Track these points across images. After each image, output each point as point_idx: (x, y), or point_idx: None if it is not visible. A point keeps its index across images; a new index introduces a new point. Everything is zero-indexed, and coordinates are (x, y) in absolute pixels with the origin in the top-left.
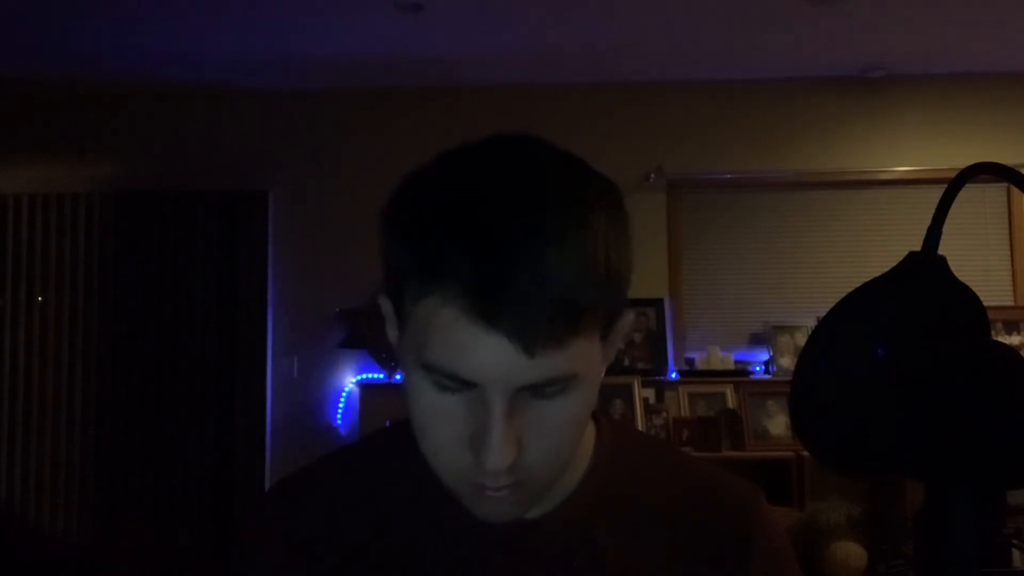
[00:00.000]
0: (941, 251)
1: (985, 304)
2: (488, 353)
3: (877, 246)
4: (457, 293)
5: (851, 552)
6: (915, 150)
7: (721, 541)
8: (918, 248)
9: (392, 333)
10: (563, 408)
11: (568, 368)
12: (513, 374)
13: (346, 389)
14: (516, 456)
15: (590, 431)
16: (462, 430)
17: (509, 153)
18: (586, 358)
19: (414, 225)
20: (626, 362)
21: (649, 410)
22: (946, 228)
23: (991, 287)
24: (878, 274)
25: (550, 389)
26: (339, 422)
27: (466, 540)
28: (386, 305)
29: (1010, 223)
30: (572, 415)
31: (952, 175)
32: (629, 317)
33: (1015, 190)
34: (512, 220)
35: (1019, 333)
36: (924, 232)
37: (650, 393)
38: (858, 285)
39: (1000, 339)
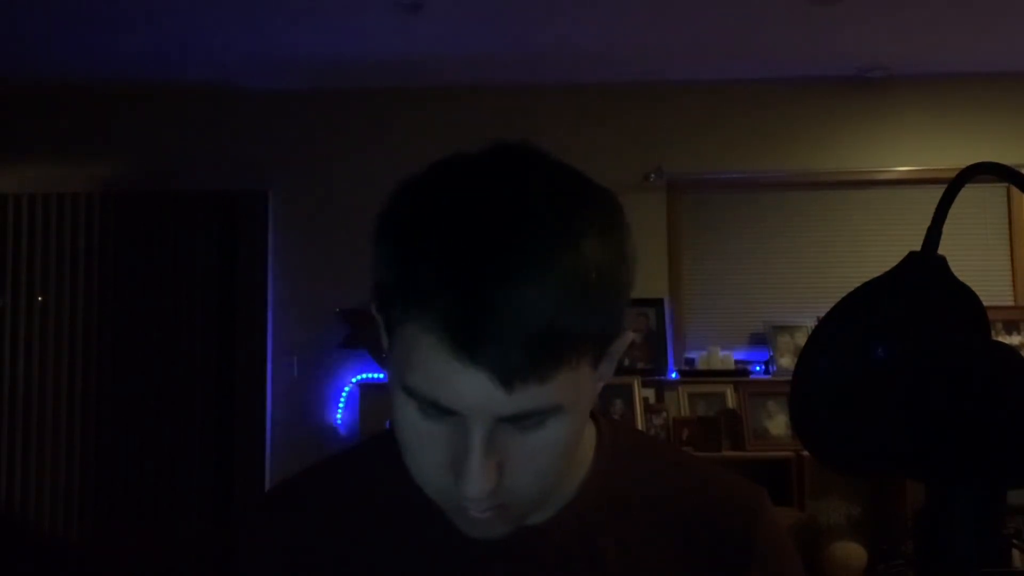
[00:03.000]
0: (941, 251)
1: (985, 304)
2: (467, 385)
3: (877, 246)
4: (437, 323)
5: (851, 552)
6: (915, 150)
7: (724, 543)
8: (918, 248)
9: (384, 343)
10: (547, 436)
11: (551, 400)
12: (492, 406)
13: (346, 389)
14: (495, 483)
15: (590, 433)
16: (444, 453)
17: (501, 172)
18: (572, 388)
19: (399, 247)
20: (626, 362)
21: (649, 410)
22: (946, 228)
23: (991, 287)
24: (878, 274)
25: (532, 420)
26: (339, 422)
27: (467, 546)
28: (377, 316)
29: (1010, 223)
30: (556, 443)
31: (952, 175)
32: (626, 338)
33: (1015, 190)
34: (496, 251)
35: (1019, 333)
36: (924, 232)
37: (650, 393)
38: (858, 285)
39: (1000, 339)
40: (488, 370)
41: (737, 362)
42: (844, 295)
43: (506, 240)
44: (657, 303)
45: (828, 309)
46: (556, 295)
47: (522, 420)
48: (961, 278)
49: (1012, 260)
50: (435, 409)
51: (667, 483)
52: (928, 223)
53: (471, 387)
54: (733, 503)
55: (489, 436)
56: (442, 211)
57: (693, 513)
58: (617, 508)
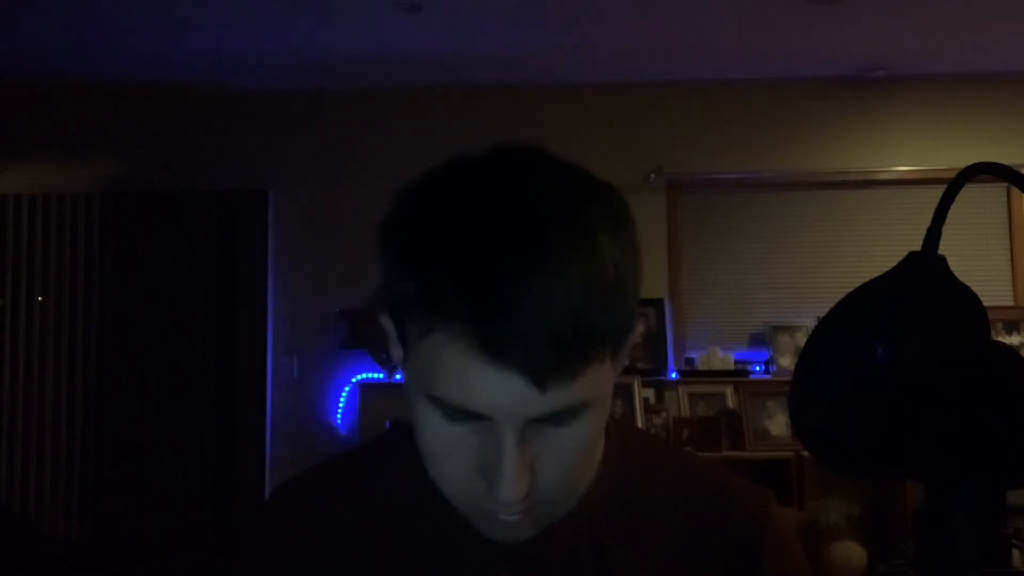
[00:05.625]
0: (941, 251)
1: (985, 304)
2: (498, 388)
3: (877, 246)
4: (463, 330)
5: (851, 552)
6: (915, 150)
7: (732, 545)
8: (918, 248)
9: (396, 352)
10: (576, 432)
11: (580, 396)
12: (524, 407)
13: (346, 389)
14: (530, 485)
15: None
16: (473, 460)
17: (508, 172)
18: (598, 382)
19: (413, 255)
20: (626, 362)
21: (649, 410)
22: (946, 228)
23: (991, 287)
24: (878, 274)
25: (563, 418)
26: (339, 422)
27: (473, 549)
28: (388, 325)
29: (1010, 223)
30: (585, 438)
31: (952, 175)
32: (638, 330)
33: (1015, 190)
34: (516, 252)
35: (1019, 333)
36: (924, 232)
37: (650, 393)
38: (858, 285)
39: (1000, 339)
40: (520, 371)
41: (737, 362)
42: (844, 295)
43: (524, 241)
44: (657, 303)
45: (828, 309)
46: (579, 292)
47: (553, 419)
48: (961, 278)
49: (1012, 260)
50: (465, 415)
51: (675, 485)
52: (928, 223)
53: (504, 390)
54: (741, 505)
55: (521, 438)
56: (455, 216)
57: (701, 515)
58: (625, 509)
